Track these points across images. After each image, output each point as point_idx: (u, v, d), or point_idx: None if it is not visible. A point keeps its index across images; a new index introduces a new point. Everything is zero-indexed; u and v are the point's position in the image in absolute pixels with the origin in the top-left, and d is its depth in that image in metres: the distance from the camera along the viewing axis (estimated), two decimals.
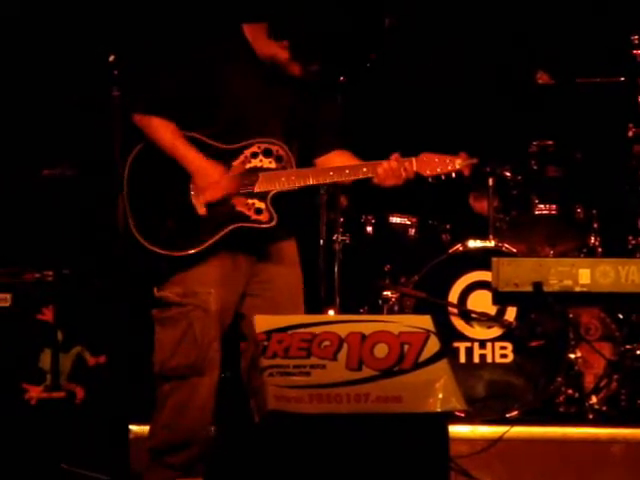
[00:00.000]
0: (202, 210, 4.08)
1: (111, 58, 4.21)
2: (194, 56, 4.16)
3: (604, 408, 5.33)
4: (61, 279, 5.15)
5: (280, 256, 4.24)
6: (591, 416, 5.25)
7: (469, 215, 5.91)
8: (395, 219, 5.80)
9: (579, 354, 5.36)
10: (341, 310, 5.50)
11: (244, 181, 4.12)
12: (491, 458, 4.62)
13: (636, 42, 5.57)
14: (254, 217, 4.10)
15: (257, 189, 4.12)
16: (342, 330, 3.52)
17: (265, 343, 3.49)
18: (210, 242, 4.06)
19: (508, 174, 5.69)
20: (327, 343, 3.50)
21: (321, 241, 5.63)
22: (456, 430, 4.77)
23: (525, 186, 5.70)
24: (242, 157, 4.15)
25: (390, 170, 4.12)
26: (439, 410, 3.45)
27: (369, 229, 5.77)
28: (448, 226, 5.86)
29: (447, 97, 6.44)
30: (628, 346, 5.46)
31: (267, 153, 4.15)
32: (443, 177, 4.15)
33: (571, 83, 5.78)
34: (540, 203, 5.69)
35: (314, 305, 5.48)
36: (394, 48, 5.74)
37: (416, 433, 3.45)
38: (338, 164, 4.24)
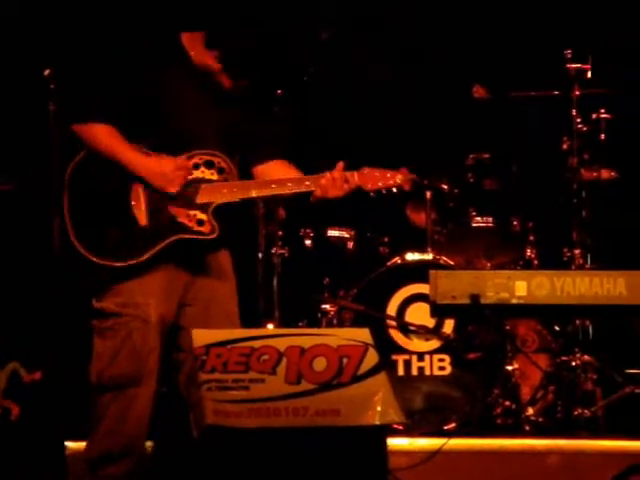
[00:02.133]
0: (143, 221, 4.05)
1: (46, 72, 4.17)
2: (132, 65, 4.13)
3: (541, 419, 5.37)
4: None
5: (216, 268, 4.22)
6: (528, 427, 5.30)
7: (407, 228, 5.94)
8: (333, 232, 5.81)
9: (516, 366, 5.40)
10: (280, 324, 5.50)
11: (186, 192, 4.10)
12: (430, 470, 4.62)
13: (569, 56, 5.65)
14: (196, 228, 4.07)
15: (199, 200, 4.10)
16: (281, 344, 3.52)
17: (204, 357, 3.48)
18: (151, 253, 4.03)
19: (445, 187, 5.73)
20: (266, 357, 3.49)
21: (260, 254, 5.63)
22: (395, 443, 4.78)
23: (462, 199, 5.74)
24: None
25: (333, 181, 4.13)
26: (378, 423, 3.45)
27: (307, 242, 5.78)
28: (386, 239, 5.88)
29: (384, 110, 6.46)
30: (564, 357, 5.52)
31: (209, 165, 4.13)
32: (384, 192, 4.17)
33: (506, 97, 5.83)
34: (477, 216, 5.73)
35: (253, 319, 5.47)
36: (331, 61, 5.76)
37: (354, 446, 3.45)
38: (277, 174, 4.24)
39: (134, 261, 4.02)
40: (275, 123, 4.45)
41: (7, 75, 5.75)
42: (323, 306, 5.61)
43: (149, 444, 4.24)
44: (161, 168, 4.06)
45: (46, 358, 4.96)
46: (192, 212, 4.09)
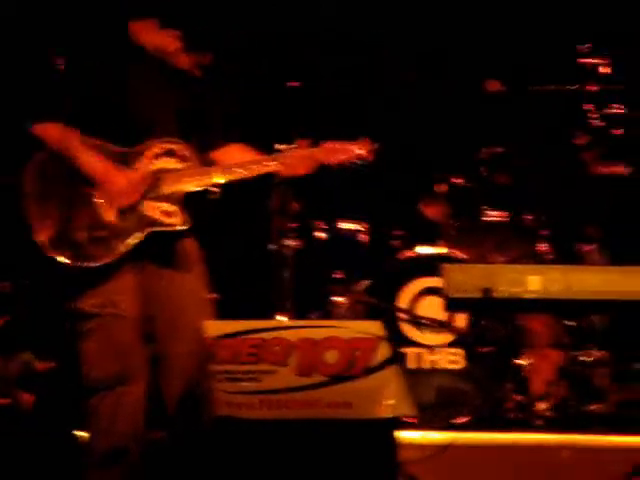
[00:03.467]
0: (111, 217, 4.01)
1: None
2: (83, 59, 4.07)
3: (552, 414, 5.36)
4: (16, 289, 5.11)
5: (184, 256, 4.16)
6: (539, 422, 5.28)
7: (420, 221, 5.93)
8: (346, 225, 5.81)
9: (528, 360, 5.39)
10: (292, 316, 5.50)
11: (151, 184, 4.04)
12: (441, 464, 4.63)
13: (585, 51, 5.63)
14: (167, 221, 4.01)
15: (165, 191, 4.03)
16: (293, 336, 3.52)
17: (215, 349, 3.48)
18: (123, 250, 3.98)
19: (458, 180, 5.72)
20: (277, 349, 3.50)
21: (272, 246, 5.62)
22: (406, 436, 4.77)
23: (475, 193, 5.72)
24: (145, 159, 4.04)
25: (298, 159, 4.08)
26: (389, 416, 3.45)
27: (320, 235, 5.77)
28: (399, 232, 5.87)
29: (399, 104, 6.45)
30: (577, 352, 5.50)
31: (170, 154, 4.06)
32: (348, 164, 4.12)
33: (520, 91, 5.81)
34: (490, 210, 5.71)
35: (264, 311, 5.47)
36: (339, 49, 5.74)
37: (365, 438, 3.45)
38: (238, 157, 4.17)
39: (107, 260, 3.96)
40: (230, 104, 4.35)
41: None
42: (335, 298, 5.61)
43: (161, 434, 4.24)
44: (115, 178, 3.97)
45: (59, 348, 4.98)
46: (159, 204, 4.04)
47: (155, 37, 4.10)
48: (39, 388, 5.04)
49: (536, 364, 5.45)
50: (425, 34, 6.48)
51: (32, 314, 5.12)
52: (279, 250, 5.60)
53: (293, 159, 4.08)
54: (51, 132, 3.96)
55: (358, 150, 4.09)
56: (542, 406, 5.35)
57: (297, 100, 5.59)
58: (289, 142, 4.13)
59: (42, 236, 3.95)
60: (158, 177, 4.03)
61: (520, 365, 5.35)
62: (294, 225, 5.63)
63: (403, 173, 6.23)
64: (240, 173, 4.07)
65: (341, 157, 4.09)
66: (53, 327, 5.02)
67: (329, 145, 4.11)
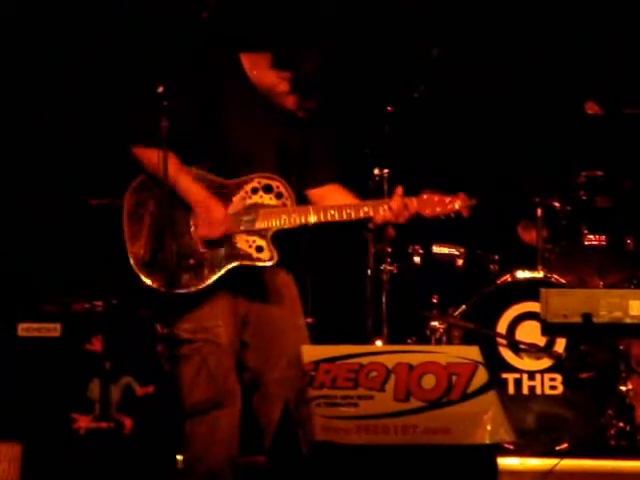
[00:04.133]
0: (201, 247, 4.06)
1: (160, 89, 4.21)
2: (192, 88, 4.11)
3: None
4: (110, 309, 5.18)
5: (274, 291, 4.20)
6: None
7: (517, 245, 5.88)
8: (442, 249, 5.79)
9: (630, 386, 5.31)
10: (388, 340, 5.49)
11: (244, 218, 4.09)
12: None
13: None
14: (255, 255, 4.06)
15: (258, 226, 4.09)
16: (389, 361, 3.51)
17: (312, 373, 3.49)
18: (212, 279, 4.03)
19: (557, 204, 5.67)
20: (374, 374, 3.49)
21: (369, 271, 5.63)
22: (505, 462, 4.73)
23: (574, 216, 5.67)
24: (242, 192, 4.11)
25: (393, 210, 4.11)
26: (488, 442, 3.42)
27: (416, 259, 5.76)
28: (496, 256, 5.83)
29: (496, 126, 6.42)
30: None
31: (267, 189, 4.11)
32: (442, 217, 4.16)
33: (620, 113, 5.75)
34: (589, 234, 5.65)
35: (361, 335, 5.47)
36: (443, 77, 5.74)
37: (465, 465, 3.42)
38: (333, 198, 4.22)
39: (197, 287, 4.03)
40: (331, 144, 4.37)
41: (113, 90, 5.85)
42: (432, 323, 5.59)
43: (260, 459, 4.26)
44: (211, 209, 4.04)
45: (159, 372, 5.03)
46: (251, 238, 4.08)
47: (266, 75, 4.15)
48: (139, 412, 5.10)
49: (638, 390, 5.36)
50: (523, 57, 6.45)
51: (132, 338, 5.18)
52: (376, 275, 5.60)
53: (386, 210, 4.10)
54: (151, 155, 4.01)
55: (456, 205, 4.11)
56: None
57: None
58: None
59: (134, 257, 4.01)
60: (255, 211, 4.08)
61: (622, 391, 5.27)
62: (391, 250, 5.63)
63: (501, 197, 6.19)
64: (334, 216, 4.12)
65: (438, 210, 4.15)
66: (152, 351, 5.08)
67: (428, 197, 4.16)
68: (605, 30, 6.36)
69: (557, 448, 5.14)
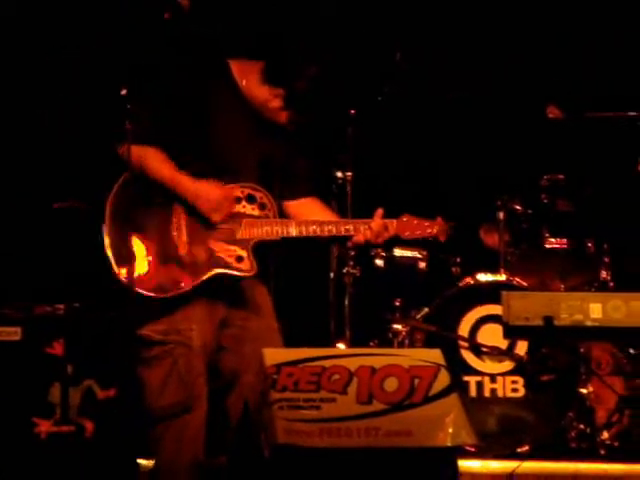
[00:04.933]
0: (183, 252, 4.04)
1: (123, 91, 4.19)
2: (180, 91, 4.10)
3: (616, 444, 5.29)
4: (72, 312, 5.15)
5: (251, 302, 4.20)
6: (603, 452, 5.22)
7: (479, 248, 5.91)
8: (405, 252, 5.80)
9: (590, 389, 5.34)
10: (351, 343, 5.49)
11: (227, 226, 4.08)
12: None
13: None
14: (235, 265, 4.05)
15: (240, 236, 4.08)
16: (352, 364, 3.52)
17: (275, 376, 3.49)
18: (190, 286, 4.01)
19: (518, 208, 5.69)
20: (337, 377, 3.49)
21: (331, 274, 5.63)
22: (466, 465, 4.74)
23: (536, 220, 5.69)
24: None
25: (373, 231, 4.14)
26: (449, 444, 3.43)
27: (379, 262, 5.77)
28: (458, 259, 5.86)
29: (458, 129, 6.45)
30: (639, 380, 5.44)
31: (250, 199, 4.11)
32: (419, 239, 4.22)
33: (581, 117, 5.78)
34: (551, 237, 5.68)
35: (324, 338, 5.47)
36: (404, 85, 5.76)
37: (426, 468, 3.43)
38: (310, 211, 4.25)
39: (171, 294, 4.01)
40: (310, 159, 4.39)
41: (84, 94, 5.82)
42: (394, 326, 5.60)
43: (223, 459, 4.25)
44: (208, 194, 4.04)
45: (120, 375, 5.01)
46: (232, 247, 4.07)
47: (259, 90, 4.14)
48: (100, 415, 5.07)
49: (598, 392, 5.40)
50: (485, 62, 6.48)
51: (95, 340, 5.15)
52: (339, 278, 5.61)
53: (371, 228, 4.15)
54: (150, 154, 4.01)
55: (434, 230, 4.17)
56: (605, 435, 5.29)
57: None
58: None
59: (117, 264, 3.98)
60: (238, 221, 4.07)
61: (582, 393, 5.30)
62: (354, 253, 5.64)
63: (462, 200, 6.21)
64: (315, 230, 4.14)
65: (417, 233, 4.21)
66: (115, 354, 5.06)
67: (408, 220, 4.22)
68: (567, 34, 6.40)
69: (518, 450, 5.16)
